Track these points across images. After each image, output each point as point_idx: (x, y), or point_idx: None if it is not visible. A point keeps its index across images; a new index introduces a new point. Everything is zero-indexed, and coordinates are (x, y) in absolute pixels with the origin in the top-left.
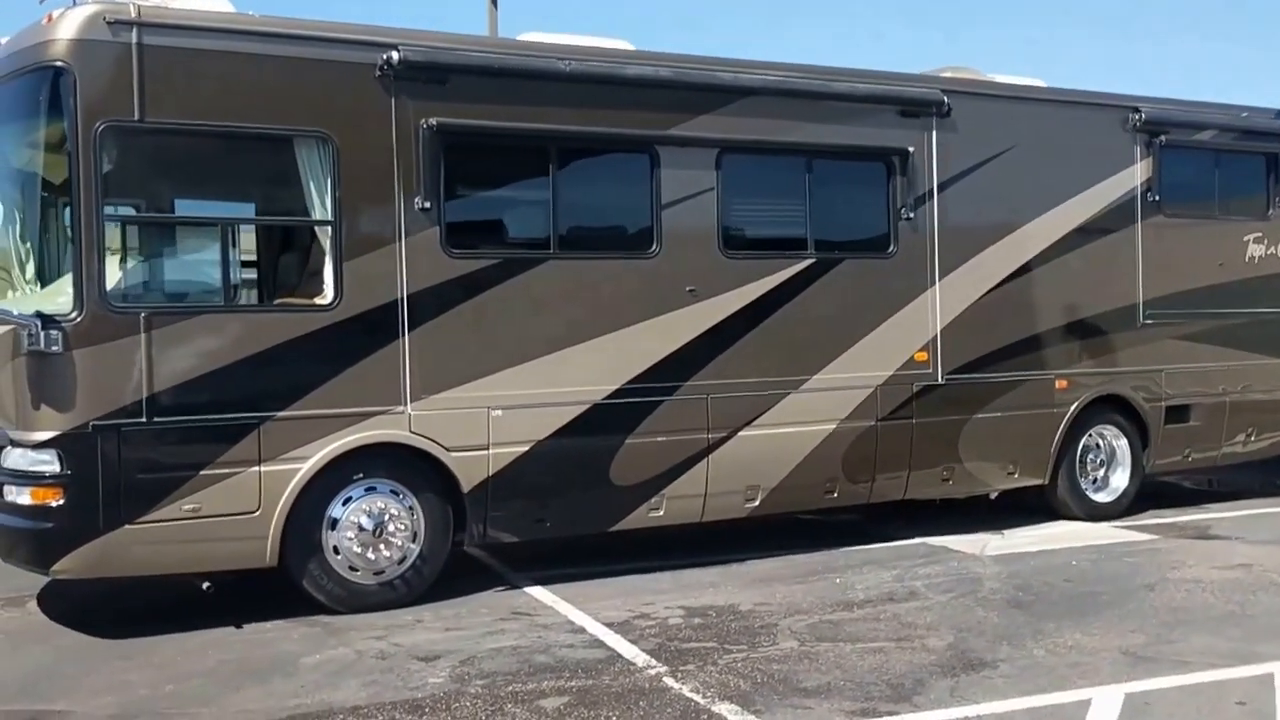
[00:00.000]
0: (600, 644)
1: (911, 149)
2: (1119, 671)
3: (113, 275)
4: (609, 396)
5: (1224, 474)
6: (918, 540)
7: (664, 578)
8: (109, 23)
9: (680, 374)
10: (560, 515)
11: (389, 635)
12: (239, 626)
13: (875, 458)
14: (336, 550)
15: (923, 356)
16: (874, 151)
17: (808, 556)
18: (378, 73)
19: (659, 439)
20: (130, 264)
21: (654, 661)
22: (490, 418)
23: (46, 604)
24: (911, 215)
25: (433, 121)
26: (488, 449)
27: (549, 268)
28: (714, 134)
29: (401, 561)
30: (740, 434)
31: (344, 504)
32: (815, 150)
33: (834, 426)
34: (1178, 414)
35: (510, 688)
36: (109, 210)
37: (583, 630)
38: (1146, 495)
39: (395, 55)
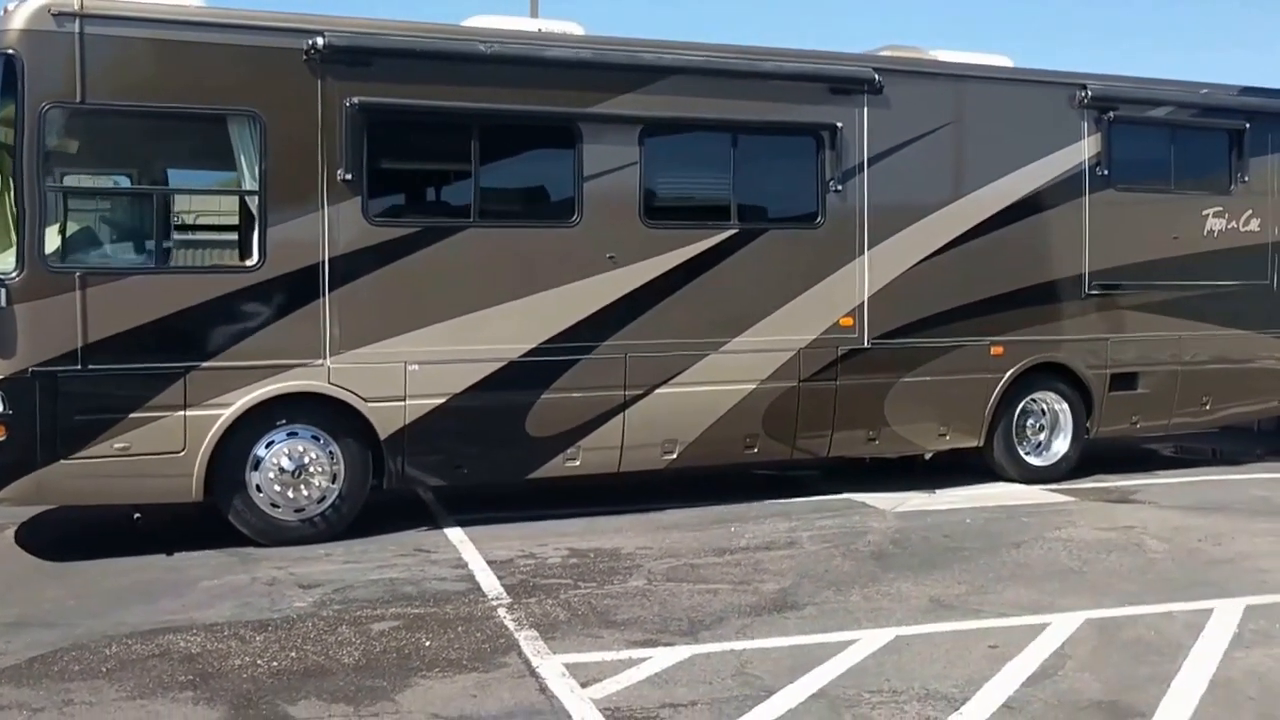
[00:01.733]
0: (469, 578)
1: (841, 125)
2: (911, 617)
3: (52, 239)
4: (525, 355)
5: (1223, 444)
6: (845, 496)
7: (580, 523)
8: (54, 15)
9: (597, 335)
10: (477, 463)
11: (292, 565)
12: (169, 554)
13: (796, 417)
14: (259, 488)
15: (848, 322)
16: (802, 127)
17: (727, 507)
18: (304, 56)
19: (575, 395)
20: (69, 229)
21: (503, 595)
22: (407, 372)
23: (25, 531)
24: (840, 188)
25: (355, 100)
26: (404, 400)
27: (469, 235)
28: (637, 111)
29: (321, 500)
30: (657, 391)
31: (267, 447)
32: (741, 126)
33: (753, 386)
34: (1123, 382)
35: (358, 613)
36: (50, 181)
37: (464, 566)
38: (1128, 460)
39: (320, 40)
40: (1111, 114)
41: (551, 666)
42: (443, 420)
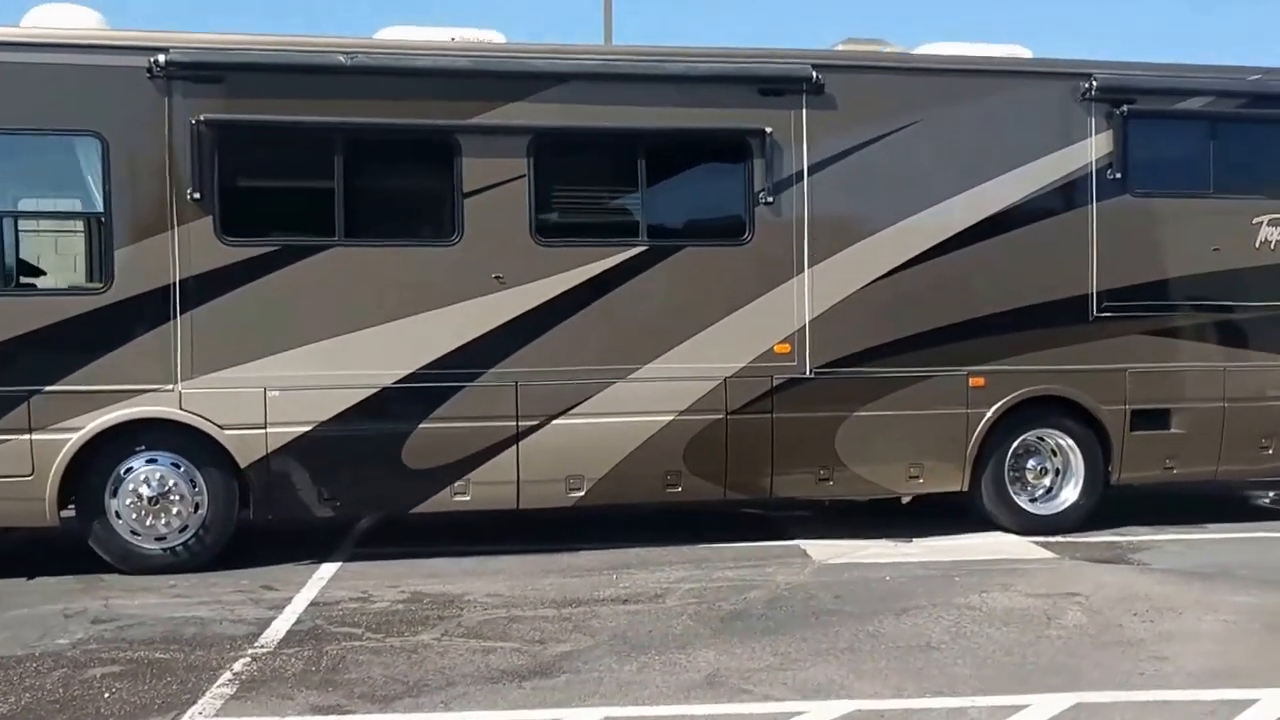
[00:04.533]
0: (266, 622)
1: (770, 129)
2: (655, 696)
3: None
4: (400, 381)
5: None
6: (794, 542)
7: (470, 562)
8: None
9: (483, 361)
10: (350, 495)
11: (123, 597)
12: (29, 578)
13: (725, 453)
14: (119, 515)
15: (784, 348)
16: (722, 134)
17: (649, 550)
18: (148, 74)
19: (458, 425)
20: None
21: (270, 644)
22: (267, 398)
23: None
24: (772, 200)
25: (201, 117)
26: (264, 428)
27: (333, 254)
28: (524, 121)
29: (183, 530)
30: (555, 423)
31: (126, 472)
32: (651, 134)
33: (669, 419)
34: (1150, 420)
35: (101, 654)
36: None
37: (282, 607)
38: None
39: (163, 57)
40: (1126, 108)
41: None
42: (309, 450)
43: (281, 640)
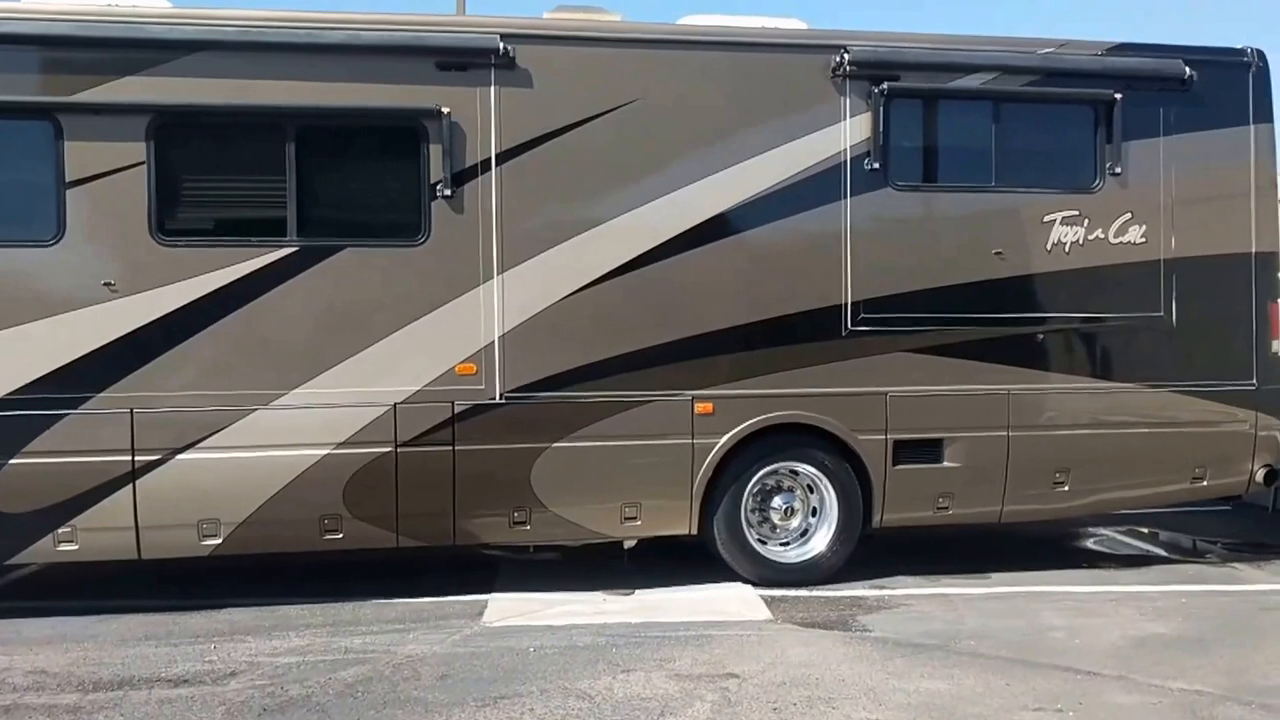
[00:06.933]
0: None
1: (448, 109)
2: None
3: None
4: None
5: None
6: (486, 596)
7: (85, 622)
8: None
9: (90, 384)
10: None
11: None
12: None
13: (396, 493)
14: None
15: (469, 369)
16: (389, 114)
17: (302, 607)
18: None
19: (59, 460)
20: None
21: None
22: None
23: None
24: (453, 192)
25: None
26: None
27: None
28: (142, 99)
29: None
30: (181, 457)
31: None
32: (302, 114)
33: (325, 452)
34: (917, 452)
35: None
36: None
37: None
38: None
39: None
40: (886, 86)
41: None
42: None
43: None
